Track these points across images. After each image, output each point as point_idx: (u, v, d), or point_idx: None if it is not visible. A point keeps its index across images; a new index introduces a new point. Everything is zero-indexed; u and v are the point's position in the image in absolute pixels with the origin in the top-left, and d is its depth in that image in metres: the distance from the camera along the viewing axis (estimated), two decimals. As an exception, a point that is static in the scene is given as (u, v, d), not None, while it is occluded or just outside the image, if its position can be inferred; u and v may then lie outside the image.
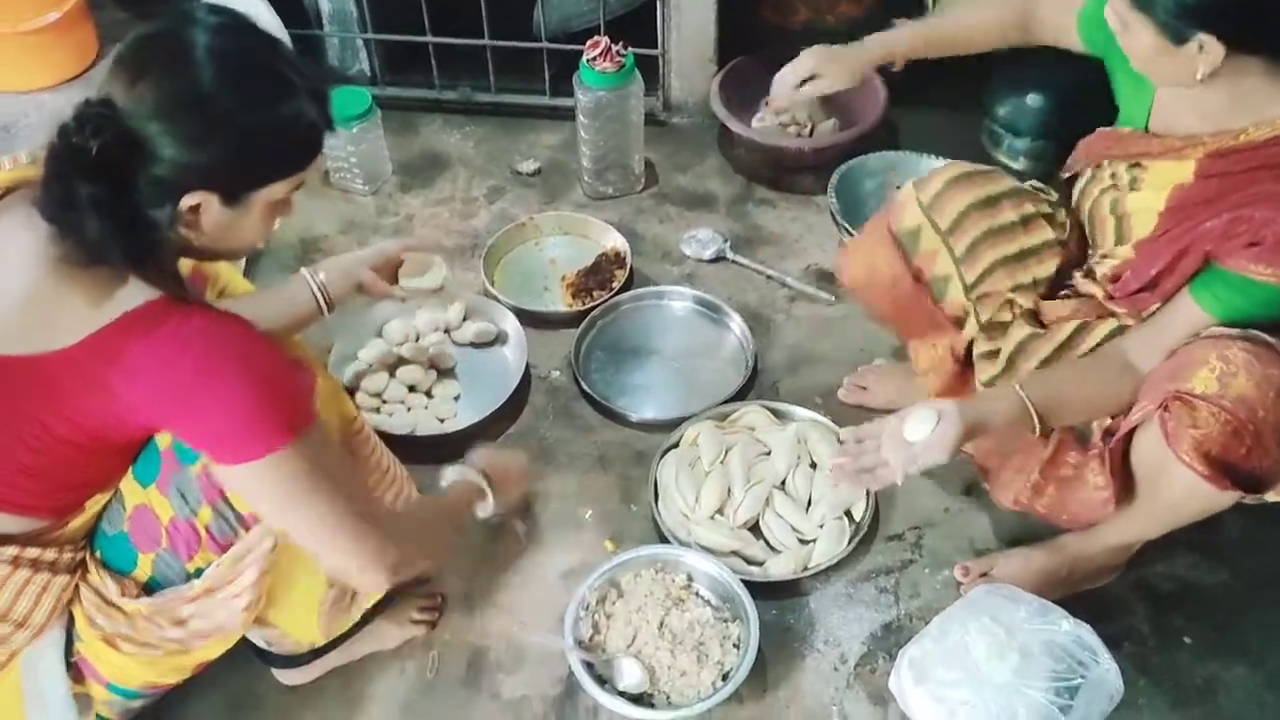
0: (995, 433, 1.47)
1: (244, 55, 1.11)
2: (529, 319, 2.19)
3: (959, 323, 1.69)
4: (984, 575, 1.74)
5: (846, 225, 2.25)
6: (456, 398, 2.07)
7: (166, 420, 1.13)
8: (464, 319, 2.17)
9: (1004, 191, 1.65)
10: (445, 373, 2.11)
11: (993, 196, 1.64)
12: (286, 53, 1.16)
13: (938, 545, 1.83)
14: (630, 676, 1.60)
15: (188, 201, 1.09)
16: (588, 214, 2.40)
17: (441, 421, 2.01)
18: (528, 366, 2.09)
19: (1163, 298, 1.48)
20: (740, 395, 2.04)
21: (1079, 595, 1.70)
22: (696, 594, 1.71)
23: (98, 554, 1.30)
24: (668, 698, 1.60)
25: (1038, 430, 1.43)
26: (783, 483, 1.87)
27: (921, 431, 1.42)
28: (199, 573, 1.27)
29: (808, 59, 1.95)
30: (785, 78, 1.98)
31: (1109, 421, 1.54)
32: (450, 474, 1.57)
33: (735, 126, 2.45)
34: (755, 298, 2.25)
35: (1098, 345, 1.57)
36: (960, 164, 1.70)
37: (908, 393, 1.91)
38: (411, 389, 2.05)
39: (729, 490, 1.84)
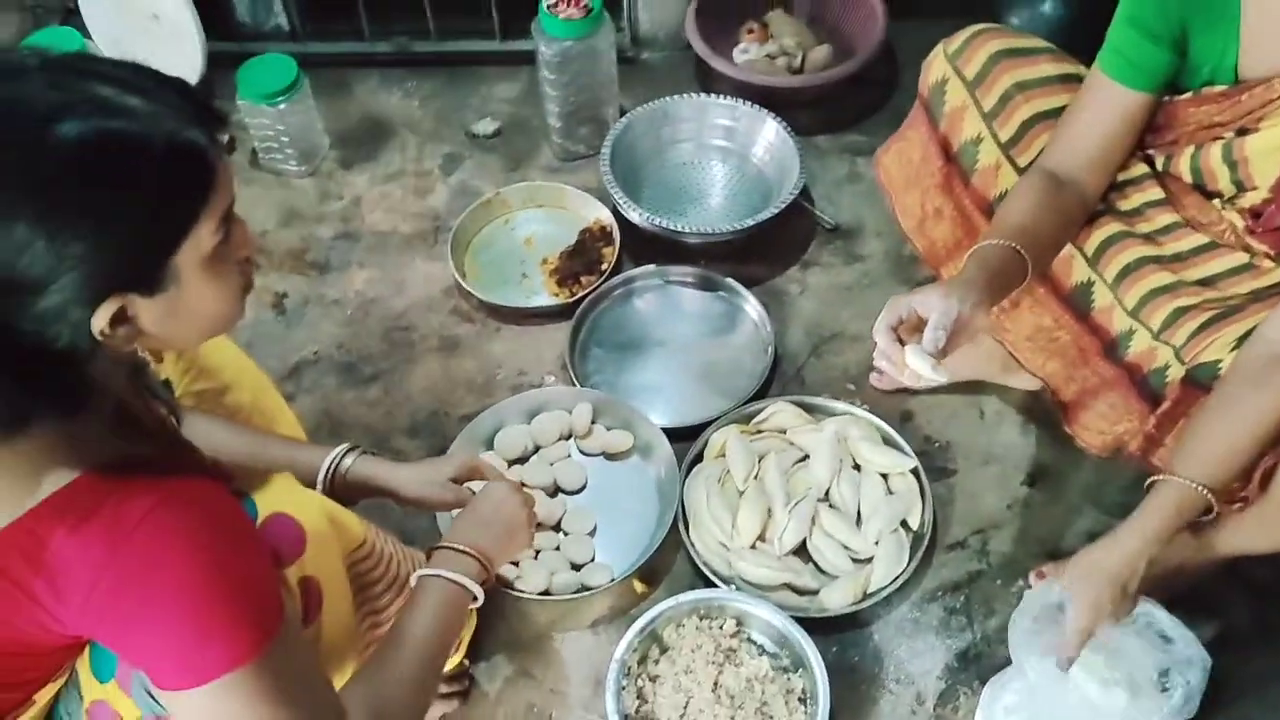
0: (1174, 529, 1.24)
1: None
2: (511, 315, 1.92)
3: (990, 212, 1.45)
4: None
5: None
6: (592, 532, 1.66)
7: (95, 634, 0.87)
8: (592, 421, 1.76)
9: (1042, 48, 1.46)
10: (572, 493, 1.71)
11: (1028, 49, 1.45)
12: (120, 71, 0.82)
13: (1006, 549, 1.63)
14: (690, 756, 1.40)
15: (102, 319, 0.81)
16: (561, 180, 2.11)
17: (577, 569, 1.60)
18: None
19: None
20: (764, 389, 1.81)
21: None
22: (749, 640, 1.50)
23: None
24: (732, 771, 1.40)
25: (1216, 510, 1.21)
26: (827, 493, 1.66)
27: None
28: None
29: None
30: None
31: None
32: (421, 575, 1.16)
33: (716, 64, 2.15)
34: (763, 268, 1.99)
35: (1223, 275, 1.34)
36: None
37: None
38: (538, 526, 1.57)
39: (769, 511, 1.62)
